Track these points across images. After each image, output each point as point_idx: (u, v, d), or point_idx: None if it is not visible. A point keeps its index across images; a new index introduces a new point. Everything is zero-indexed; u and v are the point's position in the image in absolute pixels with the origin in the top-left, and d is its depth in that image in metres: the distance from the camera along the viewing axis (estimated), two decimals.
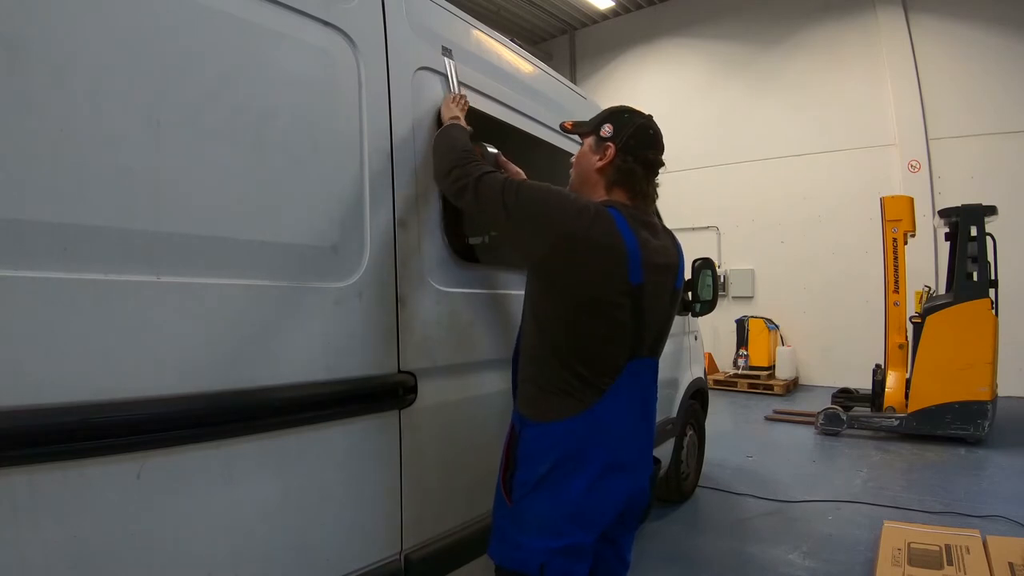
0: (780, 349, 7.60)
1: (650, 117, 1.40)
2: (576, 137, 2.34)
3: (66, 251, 0.91)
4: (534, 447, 1.30)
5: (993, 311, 4.67)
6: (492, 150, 1.66)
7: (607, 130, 1.36)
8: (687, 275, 1.43)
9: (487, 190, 1.33)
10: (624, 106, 1.42)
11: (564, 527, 1.26)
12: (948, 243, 5.21)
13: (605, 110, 1.43)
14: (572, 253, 1.23)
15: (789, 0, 8.05)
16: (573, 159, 1.46)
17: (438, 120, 1.61)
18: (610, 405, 1.28)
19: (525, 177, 1.51)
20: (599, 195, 1.36)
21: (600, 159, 1.36)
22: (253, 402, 1.14)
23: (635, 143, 1.34)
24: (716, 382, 7.22)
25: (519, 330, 1.44)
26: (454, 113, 1.59)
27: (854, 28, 7.58)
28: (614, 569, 1.44)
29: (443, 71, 1.69)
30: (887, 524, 2.80)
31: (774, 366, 7.56)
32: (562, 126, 1.57)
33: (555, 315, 1.30)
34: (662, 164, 1.39)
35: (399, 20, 1.55)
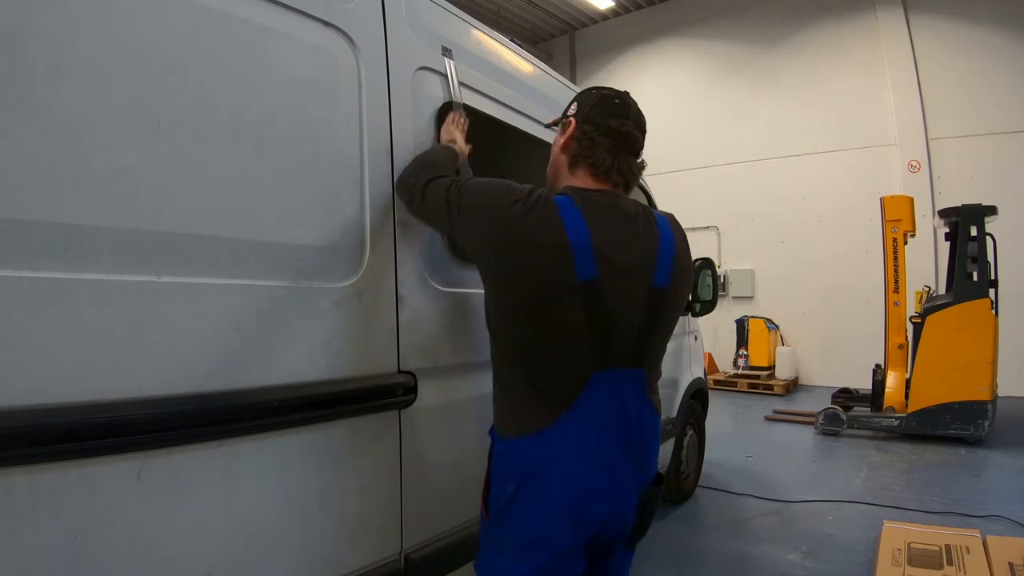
0: (780, 349, 7.60)
1: (624, 93, 1.26)
2: None
3: (66, 251, 0.91)
4: (502, 464, 1.21)
5: (993, 311, 4.67)
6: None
7: (572, 108, 1.27)
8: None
9: (433, 191, 1.27)
10: (597, 86, 1.31)
11: (530, 552, 1.16)
12: (948, 243, 5.21)
13: (577, 93, 1.32)
14: (507, 249, 1.12)
15: (789, 0, 8.05)
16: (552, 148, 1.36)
17: (437, 135, 1.61)
18: (575, 422, 1.14)
19: None
20: (564, 179, 1.25)
21: (562, 137, 1.26)
22: (253, 402, 1.14)
23: (596, 112, 1.21)
24: (716, 382, 7.23)
25: None
26: (452, 136, 1.54)
27: (854, 28, 7.58)
28: None
29: (443, 71, 1.69)
30: (887, 524, 2.80)
31: (774, 366, 7.56)
32: (548, 125, 1.50)
33: (503, 320, 1.20)
34: (632, 136, 1.22)
35: (399, 20, 1.55)
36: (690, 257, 1.31)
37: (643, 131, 1.26)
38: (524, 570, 1.17)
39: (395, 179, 1.43)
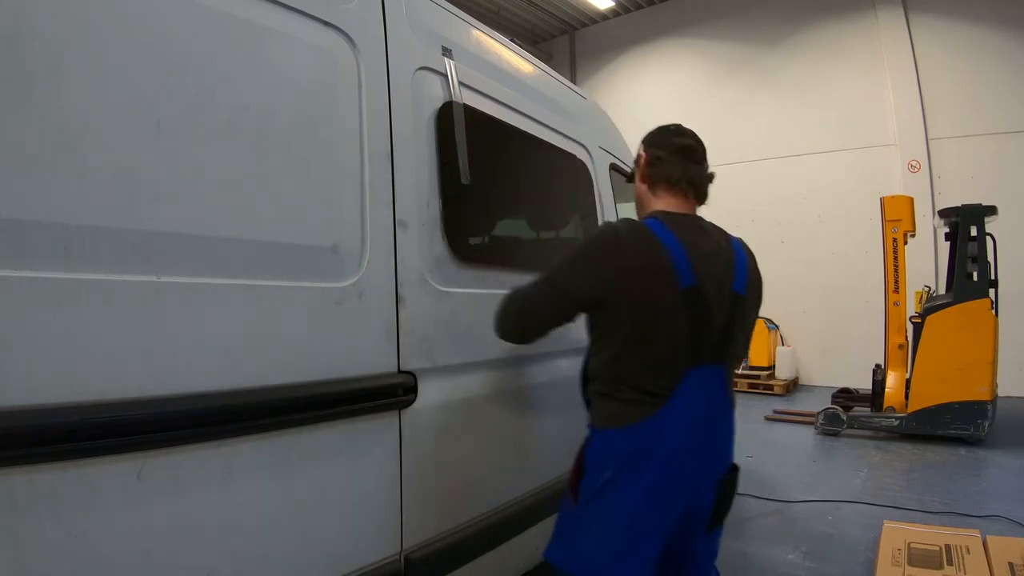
0: (780, 349, 7.60)
1: (680, 125, 1.48)
2: (575, 137, 2.35)
3: (66, 251, 0.91)
4: (600, 453, 1.33)
5: (993, 311, 4.67)
6: None
7: (640, 148, 1.48)
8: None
9: (525, 293, 1.44)
10: (658, 127, 1.51)
11: (624, 534, 1.28)
12: (948, 243, 5.21)
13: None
14: (621, 282, 1.27)
15: (789, 0, 8.05)
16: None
17: (437, 135, 1.60)
18: (670, 414, 1.28)
19: None
20: (650, 205, 1.43)
21: (639, 169, 1.46)
22: (253, 402, 1.14)
23: (658, 138, 1.44)
24: None
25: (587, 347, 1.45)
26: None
27: (854, 28, 7.57)
28: (697, 568, 1.44)
29: (443, 71, 1.69)
30: (887, 524, 2.80)
31: (774, 366, 7.55)
32: (628, 179, 1.66)
33: (613, 334, 1.32)
34: (691, 147, 1.41)
35: (399, 20, 1.55)
36: (759, 273, 1.46)
37: (701, 144, 1.44)
38: (606, 554, 1.28)
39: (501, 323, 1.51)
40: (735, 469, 1.44)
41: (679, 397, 1.28)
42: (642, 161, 1.44)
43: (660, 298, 1.26)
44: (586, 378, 1.47)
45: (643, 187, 1.45)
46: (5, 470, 0.84)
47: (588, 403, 1.45)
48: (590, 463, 1.35)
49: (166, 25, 1.06)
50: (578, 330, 2.23)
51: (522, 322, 1.47)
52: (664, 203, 1.39)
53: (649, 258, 1.27)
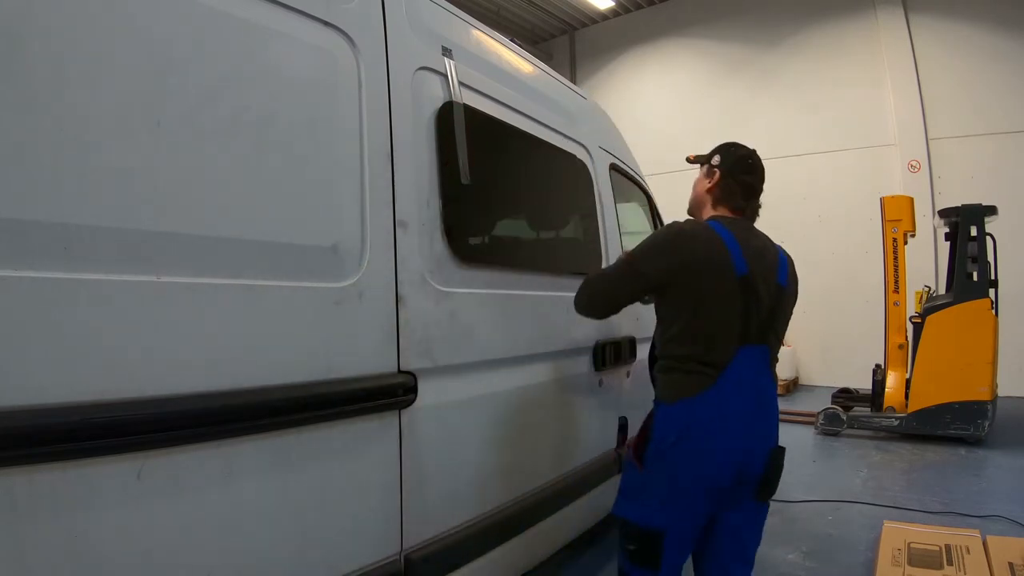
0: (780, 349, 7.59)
1: (753, 151, 1.72)
2: (575, 137, 2.40)
3: (66, 251, 0.91)
4: (663, 423, 1.57)
5: (993, 311, 4.67)
6: None
7: (716, 160, 1.70)
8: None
9: (607, 274, 1.76)
10: (733, 142, 1.75)
11: (684, 489, 1.51)
12: (948, 243, 5.21)
13: (717, 146, 1.75)
14: (688, 269, 1.53)
15: (789, 0, 8.05)
16: (694, 184, 1.78)
17: (438, 136, 1.63)
18: (725, 385, 1.51)
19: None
20: (707, 212, 1.69)
21: (710, 182, 1.69)
22: (253, 402, 1.14)
23: (737, 169, 1.67)
24: None
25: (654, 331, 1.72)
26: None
27: (854, 28, 7.57)
28: (729, 550, 1.62)
29: (443, 71, 1.68)
30: (887, 524, 2.80)
31: None
32: (687, 159, 1.86)
33: (678, 313, 1.57)
34: (759, 189, 1.69)
35: (399, 20, 1.55)
36: (796, 273, 1.73)
37: (763, 181, 1.70)
38: (668, 511, 1.52)
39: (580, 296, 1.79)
40: (783, 448, 1.62)
41: (732, 370, 1.51)
42: (716, 178, 1.68)
43: (719, 283, 1.51)
44: (652, 360, 1.72)
45: (707, 196, 1.70)
46: (5, 470, 0.84)
47: (654, 380, 1.68)
48: (656, 431, 1.57)
49: (166, 25, 1.06)
50: (579, 331, 2.24)
51: (600, 298, 1.74)
52: (722, 212, 1.67)
53: (711, 250, 1.52)
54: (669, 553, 1.54)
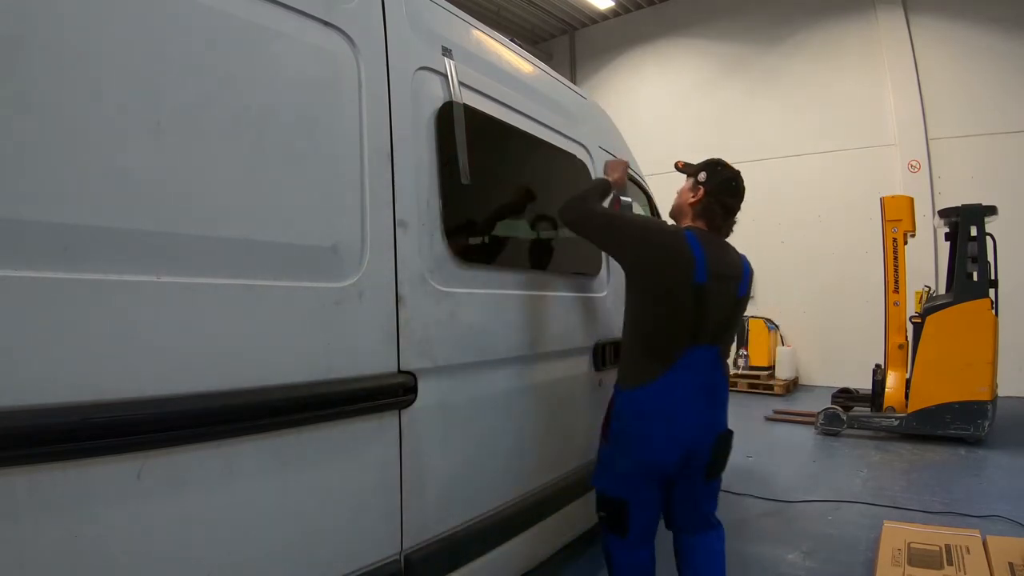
0: (780, 349, 7.59)
1: (738, 173, 1.85)
2: (575, 137, 2.41)
3: (66, 251, 0.91)
4: (620, 407, 1.77)
5: (993, 311, 4.66)
6: (626, 199, 2.26)
7: (702, 177, 1.82)
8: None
9: (593, 218, 1.83)
10: (719, 160, 1.87)
11: (637, 465, 1.72)
12: (948, 243, 5.20)
13: (706, 161, 1.87)
14: (659, 254, 1.70)
15: (789, 0, 8.04)
16: (677, 192, 1.91)
17: (438, 135, 1.64)
18: (673, 377, 1.68)
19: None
20: (687, 221, 1.83)
21: (693, 197, 1.82)
22: (253, 402, 1.14)
23: (721, 191, 1.80)
24: None
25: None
26: (616, 175, 2.10)
27: (854, 28, 7.57)
28: (690, 516, 1.85)
29: (443, 71, 1.69)
30: (887, 524, 2.80)
31: (774, 366, 7.54)
32: (676, 165, 1.99)
33: (640, 305, 1.76)
34: (738, 209, 1.85)
35: (399, 20, 1.55)
36: (752, 280, 1.90)
37: (742, 201, 1.85)
38: (628, 484, 1.75)
39: (569, 206, 1.87)
40: (730, 432, 1.82)
41: (679, 367, 1.68)
42: (700, 195, 1.80)
43: (678, 286, 1.67)
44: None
45: (689, 208, 1.83)
46: (5, 470, 0.84)
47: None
48: (615, 414, 1.79)
49: (166, 25, 1.06)
50: (579, 331, 2.24)
51: (578, 209, 1.83)
52: (700, 225, 1.80)
53: (680, 253, 1.68)
54: (635, 519, 1.76)
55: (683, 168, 1.93)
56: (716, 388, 1.78)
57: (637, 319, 1.76)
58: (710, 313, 1.70)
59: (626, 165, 2.22)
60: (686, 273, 1.66)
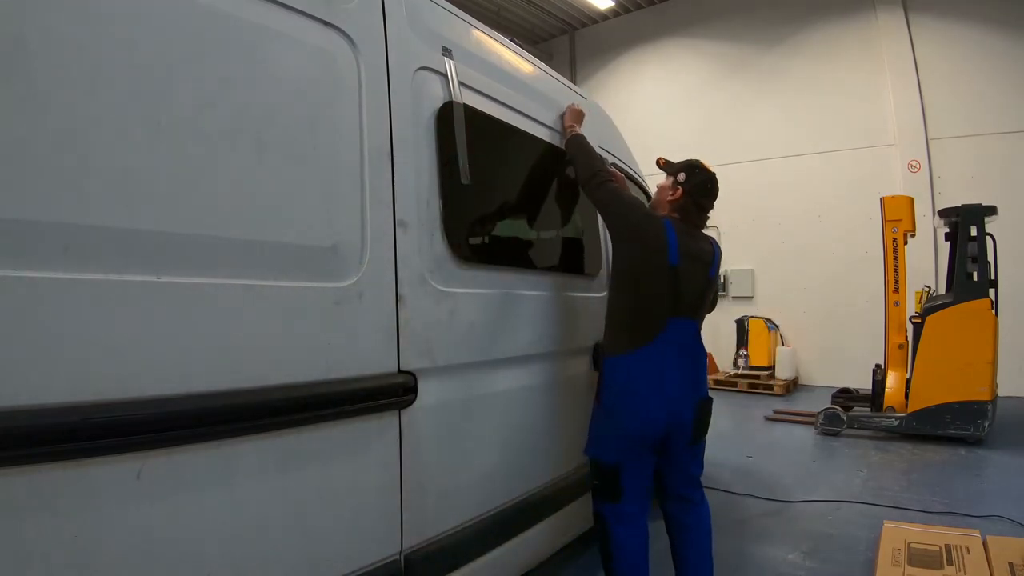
0: (780, 349, 7.59)
1: (713, 175, 2.01)
2: None
3: (66, 251, 0.91)
4: (609, 373, 1.91)
5: (993, 311, 4.66)
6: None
7: (681, 177, 1.98)
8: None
9: (609, 194, 2.00)
10: (697, 162, 2.02)
11: (628, 433, 1.85)
12: (948, 243, 5.20)
13: (685, 161, 2.03)
14: (637, 238, 1.90)
15: (789, 0, 8.05)
16: (658, 185, 2.10)
17: (438, 135, 1.63)
18: (655, 348, 1.86)
19: (619, 179, 2.18)
20: (663, 212, 2.01)
21: (672, 194, 1.99)
22: (253, 402, 1.14)
23: (697, 192, 1.97)
24: (716, 382, 7.22)
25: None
26: (579, 124, 2.28)
27: (854, 28, 7.57)
28: (679, 479, 2.01)
29: (443, 71, 1.69)
30: (887, 524, 2.80)
31: (774, 366, 7.54)
32: (657, 162, 2.14)
33: (624, 279, 1.95)
34: (711, 207, 2.03)
35: (399, 20, 1.55)
36: (720, 261, 2.11)
37: (716, 199, 2.03)
38: (620, 449, 1.88)
39: (579, 172, 2.09)
40: (710, 399, 2.00)
41: (661, 338, 1.86)
42: (678, 194, 1.96)
43: (656, 264, 1.87)
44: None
45: (667, 204, 2.00)
46: (5, 470, 0.84)
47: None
48: (605, 380, 1.92)
49: (166, 25, 1.06)
50: (579, 331, 2.24)
51: (596, 187, 1.99)
52: (675, 216, 1.97)
53: (659, 237, 1.87)
54: (628, 485, 1.88)
55: (664, 166, 2.08)
56: (697, 356, 1.97)
57: (626, 291, 1.93)
58: (684, 290, 1.90)
59: (580, 110, 2.40)
60: (663, 255, 1.86)
